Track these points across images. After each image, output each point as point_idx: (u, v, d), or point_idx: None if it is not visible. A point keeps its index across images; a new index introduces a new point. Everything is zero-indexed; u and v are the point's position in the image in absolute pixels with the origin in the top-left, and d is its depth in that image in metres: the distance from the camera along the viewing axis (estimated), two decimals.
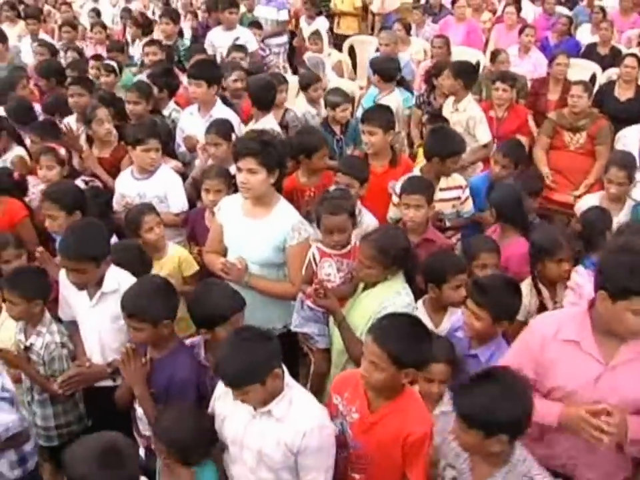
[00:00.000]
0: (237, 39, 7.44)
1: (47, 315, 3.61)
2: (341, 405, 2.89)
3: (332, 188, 4.22)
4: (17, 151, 5.29)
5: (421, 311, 3.62)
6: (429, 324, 3.52)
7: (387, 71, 6.29)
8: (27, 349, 3.55)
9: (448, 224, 4.60)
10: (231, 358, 2.61)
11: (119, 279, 3.41)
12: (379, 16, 10.11)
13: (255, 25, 8.31)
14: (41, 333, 3.54)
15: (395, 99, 6.14)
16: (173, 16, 8.09)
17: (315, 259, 3.60)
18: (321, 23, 8.97)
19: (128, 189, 4.65)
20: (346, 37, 9.54)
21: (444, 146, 4.61)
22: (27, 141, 5.46)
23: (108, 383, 3.50)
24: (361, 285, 3.49)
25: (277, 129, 5.26)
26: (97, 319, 3.45)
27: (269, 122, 5.26)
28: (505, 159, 4.87)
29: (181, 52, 7.65)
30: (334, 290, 3.50)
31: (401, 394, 2.75)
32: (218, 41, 7.59)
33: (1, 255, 4.08)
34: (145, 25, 8.35)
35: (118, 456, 2.21)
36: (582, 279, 3.79)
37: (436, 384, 3.15)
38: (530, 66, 7.78)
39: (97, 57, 7.12)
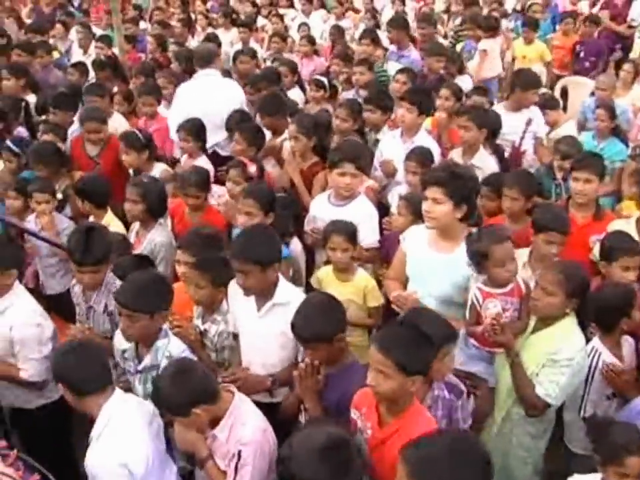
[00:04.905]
0: (529, 121, 5.95)
1: (225, 304, 3.66)
2: (360, 420, 2.88)
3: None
4: (160, 167, 5.31)
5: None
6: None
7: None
8: (202, 334, 3.64)
9: None
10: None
11: (290, 293, 3.40)
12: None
13: None
14: (216, 321, 3.64)
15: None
16: (374, 37, 8.15)
17: (478, 300, 3.45)
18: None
19: (321, 212, 4.51)
20: None
21: None
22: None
23: (266, 399, 3.44)
24: (531, 326, 3.41)
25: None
26: (264, 330, 3.44)
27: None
28: None
29: (378, 74, 7.43)
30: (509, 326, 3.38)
31: (408, 409, 2.72)
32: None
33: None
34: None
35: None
36: None
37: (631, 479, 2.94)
38: None
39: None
